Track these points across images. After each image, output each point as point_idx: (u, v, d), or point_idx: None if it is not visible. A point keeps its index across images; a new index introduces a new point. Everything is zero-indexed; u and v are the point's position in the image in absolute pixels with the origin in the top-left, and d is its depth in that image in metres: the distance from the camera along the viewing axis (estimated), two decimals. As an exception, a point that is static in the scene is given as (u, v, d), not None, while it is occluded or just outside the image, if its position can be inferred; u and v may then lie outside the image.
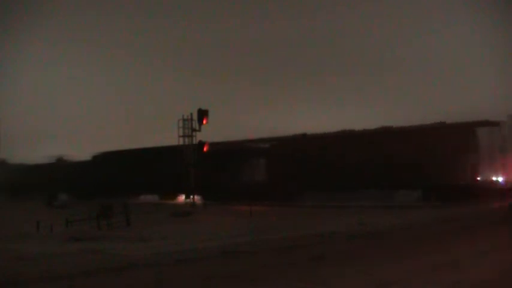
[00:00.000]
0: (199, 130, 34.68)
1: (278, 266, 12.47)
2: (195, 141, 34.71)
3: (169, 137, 45.10)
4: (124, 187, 47.77)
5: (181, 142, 35.03)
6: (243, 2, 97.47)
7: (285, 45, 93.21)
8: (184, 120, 34.78)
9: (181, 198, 40.88)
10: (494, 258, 13.28)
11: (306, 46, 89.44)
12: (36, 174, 61.63)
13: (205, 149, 34.31)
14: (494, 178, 35.71)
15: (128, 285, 10.73)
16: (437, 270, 11.39)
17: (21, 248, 16.83)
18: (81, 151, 57.56)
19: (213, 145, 37.29)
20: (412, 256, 13.59)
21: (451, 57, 70.71)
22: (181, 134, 34.85)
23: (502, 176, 35.49)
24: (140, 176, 48.93)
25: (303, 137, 42.99)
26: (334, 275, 10.99)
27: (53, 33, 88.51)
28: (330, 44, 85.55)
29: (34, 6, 74.92)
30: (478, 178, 35.61)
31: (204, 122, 34.18)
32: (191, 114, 34.61)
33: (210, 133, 36.04)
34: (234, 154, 44.88)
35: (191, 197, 35.07)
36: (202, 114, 34.09)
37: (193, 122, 34.57)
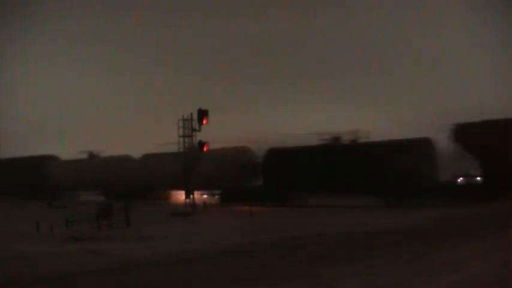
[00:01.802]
0: (199, 130, 34.69)
1: (278, 266, 12.46)
2: (195, 141, 34.72)
3: (169, 137, 44.92)
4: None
5: (181, 142, 35.04)
6: (243, 2, 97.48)
7: (286, 45, 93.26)
8: (184, 120, 34.80)
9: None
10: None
11: (307, 46, 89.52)
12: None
13: (205, 149, 34.30)
14: None
15: (128, 285, 10.72)
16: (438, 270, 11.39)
17: (21, 248, 16.85)
18: (81, 150, 56.99)
19: None
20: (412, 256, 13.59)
21: (455, 56, 70.71)
22: (181, 134, 34.87)
23: None
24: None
25: None
26: (335, 274, 10.98)
27: (54, 33, 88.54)
28: (332, 44, 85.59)
29: (34, 7, 74.97)
30: None
31: (204, 122, 34.18)
32: (191, 114, 34.66)
33: (210, 133, 36.00)
34: None
35: (191, 196, 35.02)
36: (202, 114, 34.09)
37: (193, 122, 34.59)
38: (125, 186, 46.46)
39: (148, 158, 48.86)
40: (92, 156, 55.16)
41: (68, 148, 61.26)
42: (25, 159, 59.25)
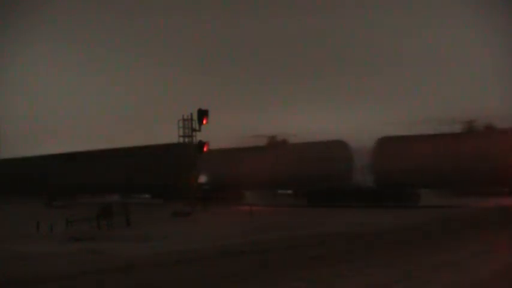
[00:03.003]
0: (199, 130, 34.66)
1: (278, 266, 12.46)
2: (195, 141, 34.68)
3: (169, 137, 44.66)
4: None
5: (181, 142, 34.99)
6: (244, 2, 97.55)
7: (286, 45, 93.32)
8: (184, 120, 34.77)
9: None
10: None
11: (307, 45, 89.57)
12: None
13: (205, 149, 34.24)
14: None
15: (128, 286, 10.72)
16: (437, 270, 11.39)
17: (21, 248, 16.84)
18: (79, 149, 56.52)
19: None
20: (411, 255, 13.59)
21: (453, 54, 70.77)
22: (181, 134, 34.85)
23: None
24: None
25: None
26: (334, 274, 10.98)
27: (54, 33, 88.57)
28: (331, 43, 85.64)
29: (34, 7, 74.98)
30: None
31: (204, 122, 34.13)
32: (191, 114, 34.63)
33: (210, 133, 35.90)
34: None
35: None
36: (202, 114, 34.04)
37: (193, 122, 34.57)
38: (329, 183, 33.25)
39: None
40: (273, 142, 40.49)
41: (66, 147, 60.59)
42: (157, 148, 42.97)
